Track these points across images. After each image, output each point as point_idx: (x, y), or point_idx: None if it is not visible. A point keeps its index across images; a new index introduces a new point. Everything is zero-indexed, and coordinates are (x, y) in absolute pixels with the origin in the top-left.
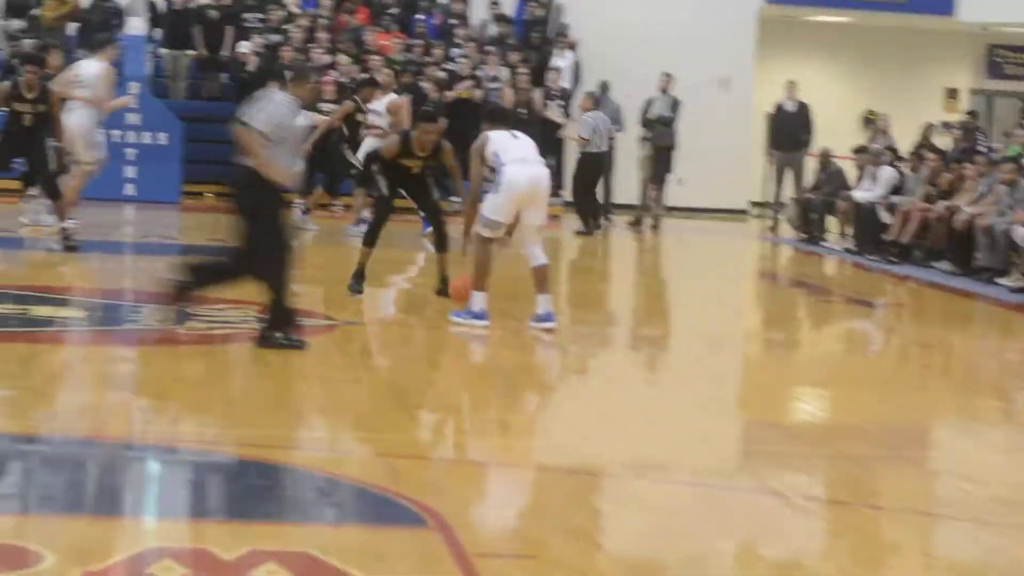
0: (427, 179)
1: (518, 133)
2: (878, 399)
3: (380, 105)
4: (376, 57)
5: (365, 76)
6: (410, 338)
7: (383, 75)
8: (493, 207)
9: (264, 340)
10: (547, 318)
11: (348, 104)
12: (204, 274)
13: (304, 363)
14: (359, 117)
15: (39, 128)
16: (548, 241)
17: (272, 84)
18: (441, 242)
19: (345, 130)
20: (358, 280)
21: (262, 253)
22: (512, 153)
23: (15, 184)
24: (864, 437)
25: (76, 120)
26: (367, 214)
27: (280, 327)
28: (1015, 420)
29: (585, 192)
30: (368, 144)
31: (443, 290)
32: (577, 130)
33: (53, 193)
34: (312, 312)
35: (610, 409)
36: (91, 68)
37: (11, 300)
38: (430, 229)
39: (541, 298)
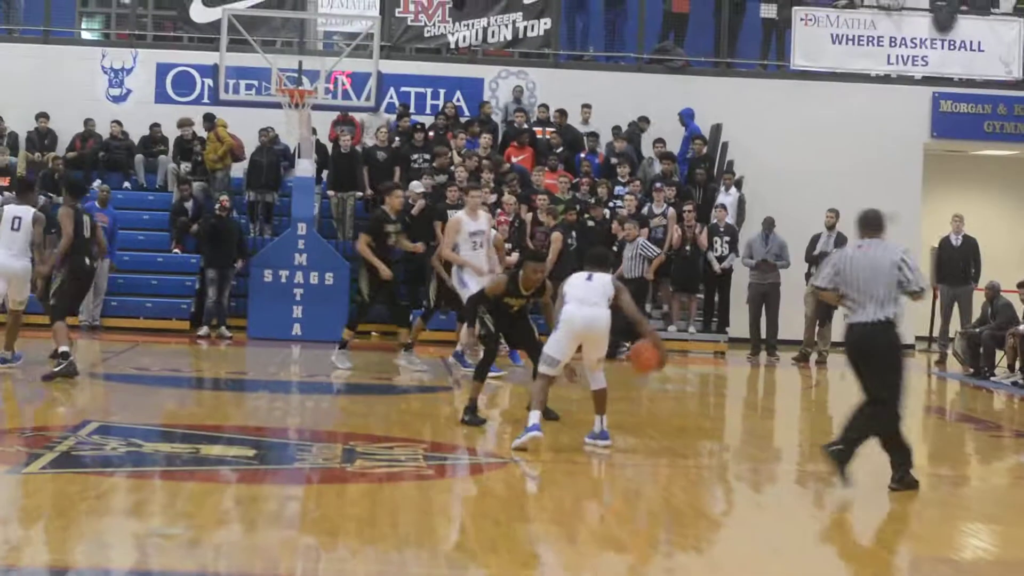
0: (527, 316)
1: (595, 276)
2: None
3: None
4: (542, 196)
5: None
6: (577, 474)
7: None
8: (553, 344)
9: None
10: (602, 436)
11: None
12: (855, 434)
13: (472, 501)
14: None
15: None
16: (715, 377)
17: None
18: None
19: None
20: (471, 412)
21: (895, 404)
22: (575, 294)
23: (185, 325)
24: None
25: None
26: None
27: (908, 467)
28: None
29: None
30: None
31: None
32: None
33: (52, 316)
34: (478, 450)
35: (780, 546)
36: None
37: (182, 439)
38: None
39: (598, 418)
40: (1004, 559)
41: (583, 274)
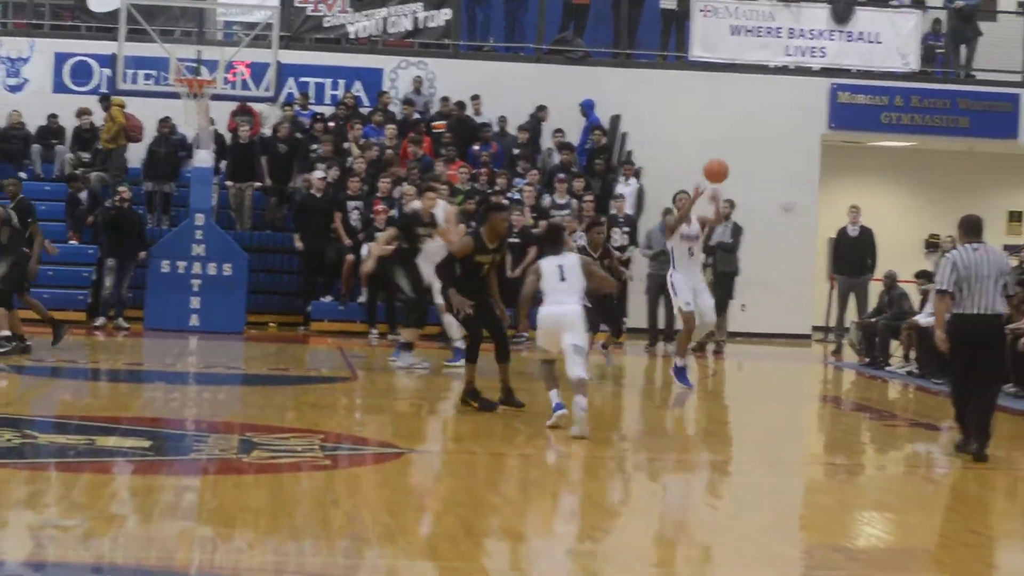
0: (489, 300)
1: (568, 272)
2: (944, 522)
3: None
4: (443, 187)
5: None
6: (474, 465)
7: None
8: (539, 340)
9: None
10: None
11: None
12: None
13: (370, 491)
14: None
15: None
16: (613, 367)
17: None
18: (502, 353)
19: None
20: (477, 396)
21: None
22: (550, 294)
23: (82, 316)
24: (930, 560)
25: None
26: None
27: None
28: None
29: None
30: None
31: (506, 400)
32: None
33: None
34: (376, 440)
35: (675, 534)
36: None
37: (77, 431)
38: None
39: (578, 398)
40: (897, 547)
41: (555, 267)
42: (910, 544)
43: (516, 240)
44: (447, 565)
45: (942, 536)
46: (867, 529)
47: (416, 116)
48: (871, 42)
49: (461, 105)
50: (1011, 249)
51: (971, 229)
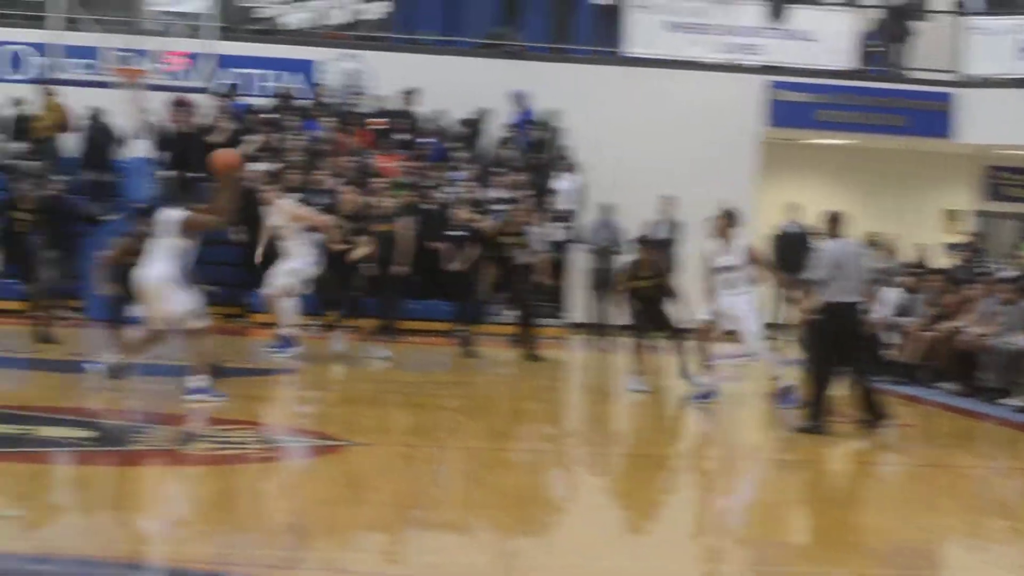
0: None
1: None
2: (888, 519)
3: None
4: (380, 180)
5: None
6: (416, 459)
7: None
8: None
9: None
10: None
11: None
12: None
13: (313, 485)
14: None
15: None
16: (551, 362)
17: None
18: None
19: None
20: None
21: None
22: None
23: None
24: (874, 556)
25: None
26: None
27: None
28: (1023, 538)
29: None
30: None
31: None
32: None
33: None
34: (317, 432)
35: (620, 530)
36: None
37: (16, 421)
38: None
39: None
40: (842, 543)
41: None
42: (853, 540)
43: (461, 234)
44: (387, 558)
45: (885, 532)
46: (812, 525)
47: (348, 108)
48: (806, 40)
49: (408, 98)
50: (951, 247)
51: (838, 223)
